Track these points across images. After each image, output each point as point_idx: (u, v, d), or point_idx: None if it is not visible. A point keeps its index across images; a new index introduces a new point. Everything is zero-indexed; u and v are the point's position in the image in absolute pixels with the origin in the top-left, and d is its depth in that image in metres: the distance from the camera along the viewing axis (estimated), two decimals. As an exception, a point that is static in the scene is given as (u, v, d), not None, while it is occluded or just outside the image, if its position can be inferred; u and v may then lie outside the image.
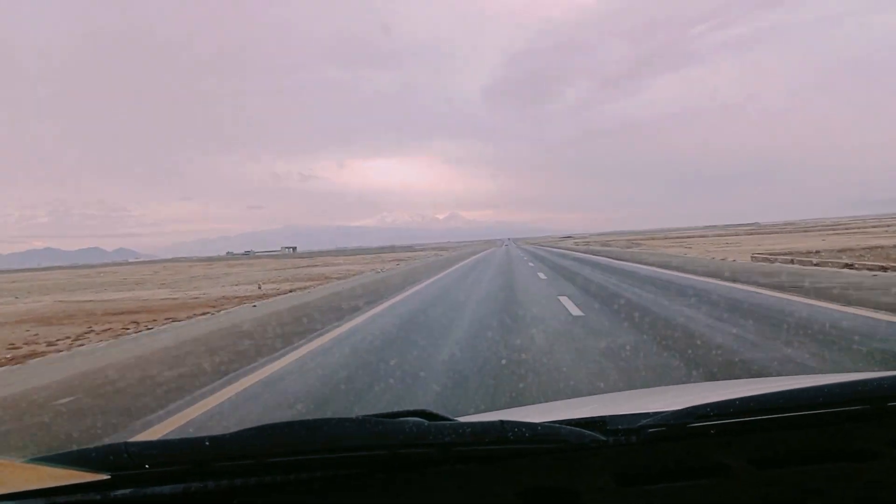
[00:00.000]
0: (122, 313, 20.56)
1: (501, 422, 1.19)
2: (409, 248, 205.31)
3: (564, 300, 11.70)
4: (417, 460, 1.20)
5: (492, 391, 4.96)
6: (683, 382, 4.94)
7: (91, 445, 1.20)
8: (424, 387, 5.24)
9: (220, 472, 1.16)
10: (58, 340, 13.27)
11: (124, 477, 1.12)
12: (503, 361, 6.11)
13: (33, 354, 10.64)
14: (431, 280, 21.67)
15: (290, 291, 23.83)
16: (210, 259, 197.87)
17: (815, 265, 19.43)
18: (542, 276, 20.22)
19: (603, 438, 1.22)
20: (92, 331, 15.38)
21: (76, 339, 13.29)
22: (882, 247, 30.27)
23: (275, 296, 21.77)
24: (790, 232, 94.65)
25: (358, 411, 4.61)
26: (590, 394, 4.48)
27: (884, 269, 15.58)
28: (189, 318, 15.49)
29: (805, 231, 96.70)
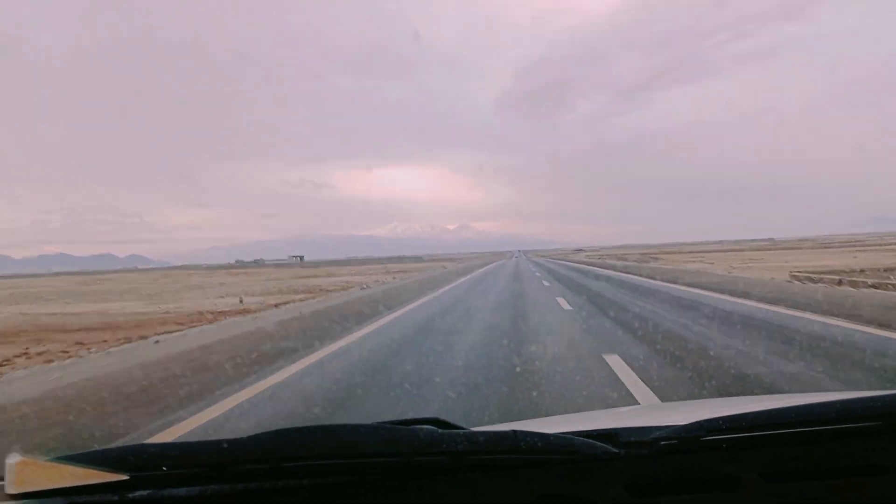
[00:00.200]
0: (76, 330, 18.29)
1: (514, 431, 1.21)
2: (418, 259, 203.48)
3: (623, 373, 6.49)
4: (430, 468, 1.21)
5: None
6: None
7: (111, 446, 1.40)
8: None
9: (236, 474, 1.17)
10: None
11: (142, 478, 1.14)
12: None
13: None
14: (421, 301, 18.77)
15: (276, 306, 21.71)
16: (218, 267, 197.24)
17: (872, 286, 16.75)
18: (564, 304, 14.78)
19: (615, 450, 1.23)
20: (27, 353, 13.14)
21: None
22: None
23: (256, 311, 19.72)
24: (809, 248, 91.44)
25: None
26: None
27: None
28: (127, 342, 13.07)
29: (824, 247, 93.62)
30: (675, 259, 57.31)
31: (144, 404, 5.86)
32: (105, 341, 14.15)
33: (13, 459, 1.10)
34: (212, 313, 21.22)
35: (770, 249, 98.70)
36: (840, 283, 18.66)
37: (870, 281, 18.03)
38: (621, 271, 35.22)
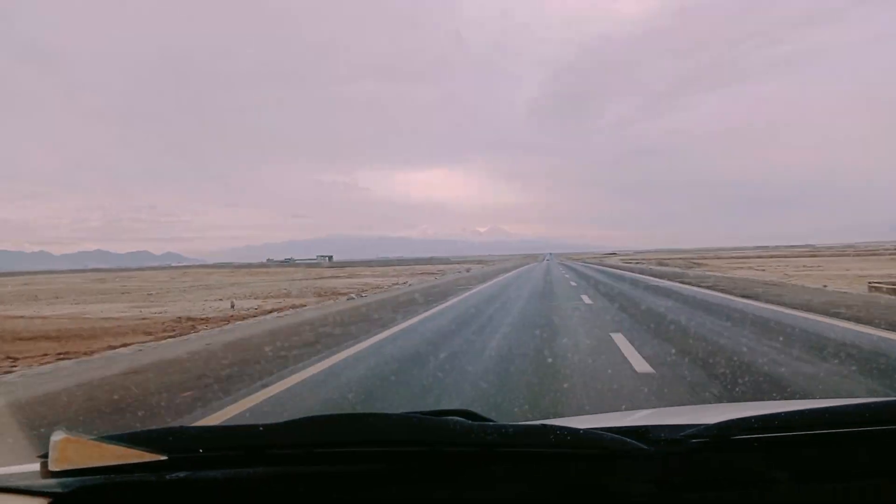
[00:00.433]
0: (25, 339, 15.90)
1: (544, 425, 1.22)
2: (445, 261, 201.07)
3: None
4: (459, 458, 1.21)
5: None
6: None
7: (153, 427, 1.25)
8: None
9: (269, 459, 1.19)
10: None
11: (180, 459, 1.16)
12: None
13: None
14: (427, 314, 15.45)
15: (270, 312, 19.03)
16: (247, 266, 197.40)
17: None
18: (622, 344, 8.81)
19: (645, 447, 1.22)
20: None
21: None
22: None
23: (243, 318, 17.28)
24: (856, 255, 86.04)
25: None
26: None
27: None
28: (65, 358, 10.62)
29: (872, 254, 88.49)
30: (720, 265, 53.14)
31: None
32: (45, 355, 11.97)
33: (57, 437, 1.12)
34: (193, 320, 18.70)
35: (815, 256, 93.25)
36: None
37: None
38: (673, 280, 28.94)
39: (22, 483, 1.20)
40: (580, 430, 1.21)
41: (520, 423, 1.30)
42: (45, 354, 12.16)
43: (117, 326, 18.18)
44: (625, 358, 7.72)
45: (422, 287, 29.71)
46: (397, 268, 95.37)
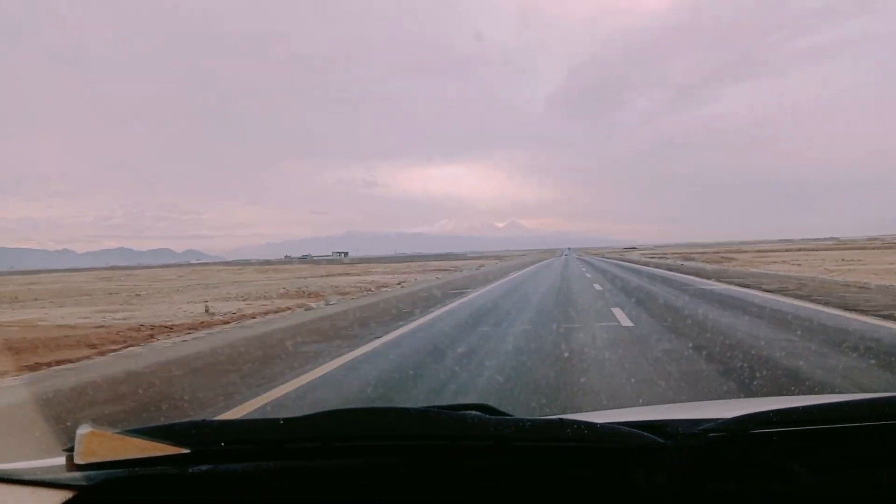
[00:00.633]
0: None
1: (561, 419, 1.21)
2: (461, 256, 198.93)
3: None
4: (476, 452, 1.20)
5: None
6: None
7: (176, 421, 1.23)
8: None
9: (290, 452, 1.19)
10: None
11: (203, 452, 1.17)
12: None
13: None
14: (418, 323, 12.99)
15: (250, 317, 16.73)
16: (265, 263, 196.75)
17: None
18: None
19: (663, 441, 1.21)
20: None
21: None
22: None
23: (210, 326, 15.36)
24: (885, 248, 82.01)
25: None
26: None
27: None
28: None
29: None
30: (750, 259, 49.89)
31: None
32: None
33: (83, 430, 1.13)
34: (154, 328, 16.28)
35: (843, 248, 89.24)
36: None
37: None
38: (721, 280, 23.27)
39: (48, 476, 1.22)
40: (597, 424, 1.21)
41: (537, 417, 1.29)
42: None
43: (65, 337, 15.82)
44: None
45: (418, 288, 27.39)
46: (411, 264, 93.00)
